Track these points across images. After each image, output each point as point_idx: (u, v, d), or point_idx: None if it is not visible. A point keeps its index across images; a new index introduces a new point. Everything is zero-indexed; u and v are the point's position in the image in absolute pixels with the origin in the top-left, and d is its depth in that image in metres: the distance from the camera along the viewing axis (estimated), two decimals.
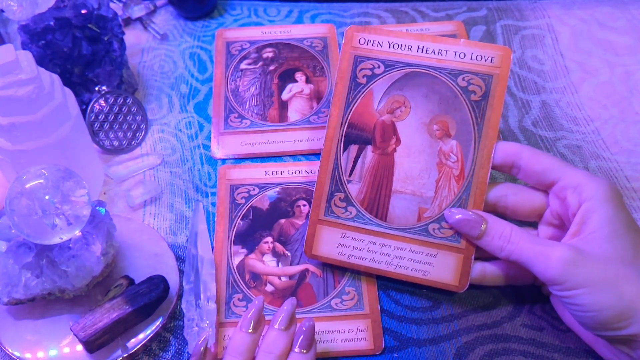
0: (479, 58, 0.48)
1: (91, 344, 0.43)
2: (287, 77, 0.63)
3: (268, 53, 0.65)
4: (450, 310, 0.47)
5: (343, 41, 0.50)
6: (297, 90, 0.62)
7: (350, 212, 0.48)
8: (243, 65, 0.64)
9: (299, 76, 0.63)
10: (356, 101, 0.49)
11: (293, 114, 0.60)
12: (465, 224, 0.45)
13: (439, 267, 0.46)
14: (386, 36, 0.49)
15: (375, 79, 0.49)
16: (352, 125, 0.49)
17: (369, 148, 0.49)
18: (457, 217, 0.45)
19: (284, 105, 0.61)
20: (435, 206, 0.47)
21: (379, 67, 0.49)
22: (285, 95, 0.62)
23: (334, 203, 0.48)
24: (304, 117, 0.60)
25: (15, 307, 0.46)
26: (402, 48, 0.49)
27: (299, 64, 0.64)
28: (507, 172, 0.47)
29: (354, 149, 0.49)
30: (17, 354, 0.44)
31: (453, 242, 0.46)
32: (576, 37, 0.67)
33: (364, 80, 0.49)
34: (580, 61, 0.65)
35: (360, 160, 0.49)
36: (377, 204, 0.48)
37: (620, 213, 0.41)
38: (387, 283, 0.49)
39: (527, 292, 0.48)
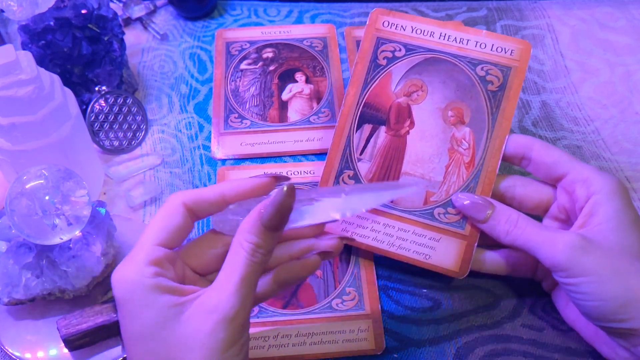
0: (499, 50, 0.48)
1: (71, 343, 0.43)
2: (287, 77, 0.63)
3: (268, 53, 0.65)
4: (450, 311, 0.47)
5: (367, 23, 0.51)
6: (297, 90, 0.62)
7: None
8: (243, 66, 0.64)
9: (299, 76, 0.63)
10: (374, 82, 0.49)
11: (293, 114, 0.60)
12: (473, 206, 0.45)
13: (441, 252, 0.47)
14: (410, 21, 0.50)
15: (396, 62, 0.50)
16: (368, 105, 0.49)
17: (383, 129, 0.49)
18: (464, 201, 0.46)
19: (284, 106, 0.61)
20: (442, 191, 0.47)
21: (400, 50, 0.50)
22: (285, 96, 0.62)
23: (343, 180, 0.49)
24: (304, 117, 0.60)
25: (15, 307, 0.46)
26: (425, 34, 0.50)
27: (299, 64, 0.64)
28: (517, 164, 0.47)
29: (367, 128, 0.49)
30: (17, 354, 0.44)
31: (457, 228, 0.47)
32: (576, 37, 0.67)
33: (384, 62, 0.50)
34: (581, 61, 0.65)
35: (372, 140, 0.49)
36: None
37: (627, 208, 0.41)
38: (387, 283, 0.49)
39: (527, 292, 0.48)
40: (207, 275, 0.38)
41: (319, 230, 0.41)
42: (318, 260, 0.39)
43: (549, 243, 0.41)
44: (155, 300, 0.33)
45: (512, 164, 0.48)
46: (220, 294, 0.33)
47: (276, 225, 0.34)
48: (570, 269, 0.40)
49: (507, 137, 0.47)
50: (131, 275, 0.33)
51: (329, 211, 0.38)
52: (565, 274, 0.40)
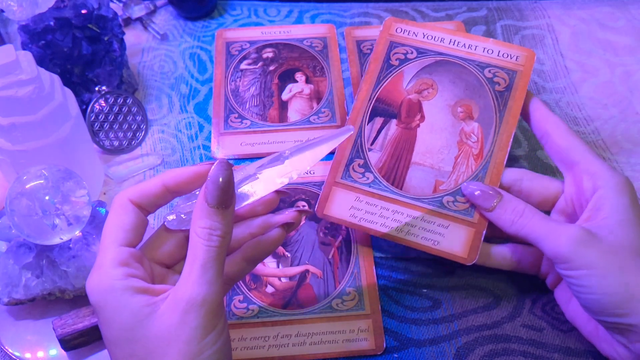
0: (505, 55, 0.51)
1: (66, 343, 0.43)
2: (287, 77, 0.63)
3: (268, 53, 0.65)
4: (450, 311, 0.47)
5: (381, 29, 0.53)
6: (297, 90, 0.62)
7: (368, 178, 0.49)
8: (243, 66, 0.64)
9: (299, 76, 0.63)
10: (387, 79, 0.52)
11: (293, 114, 0.60)
12: (480, 195, 0.46)
13: (450, 238, 0.47)
14: (421, 28, 0.53)
15: (407, 63, 0.52)
16: (380, 100, 0.51)
17: (394, 121, 0.51)
18: (474, 190, 0.46)
19: (284, 106, 0.61)
20: (451, 180, 0.48)
21: (412, 52, 0.52)
22: (285, 96, 0.62)
23: (353, 168, 0.50)
24: (304, 117, 0.60)
25: (15, 307, 0.46)
26: (435, 39, 0.52)
27: (299, 64, 0.64)
28: (538, 137, 0.48)
29: (379, 121, 0.51)
30: (17, 354, 0.44)
31: (466, 215, 0.47)
32: (576, 37, 0.67)
33: (396, 63, 0.52)
34: (580, 61, 0.65)
35: (383, 131, 0.51)
36: (395, 172, 0.49)
37: (633, 204, 0.41)
38: (387, 283, 0.49)
39: (527, 292, 0.48)
40: (174, 266, 0.39)
41: (274, 204, 0.41)
42: (282, 233, 0.40)
43: (552, 234, 0.41)
44: (129, 302, 0.33)
45: (514, 151, 0.48)
46: (186, 284, 0.33)
47: (223, 201, 0.34)
48: (572, 261, 0.40)
49: (513, 132, 0.49)
50: (103, 281, 0.33)
51: (275, 179, 0.38)
52: (567, 266, 0.41)
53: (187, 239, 0.36)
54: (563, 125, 0.46)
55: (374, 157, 0.50)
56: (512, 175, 0.48)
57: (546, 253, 0.42)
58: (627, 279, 0.39)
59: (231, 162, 0.57)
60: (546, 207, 0.47)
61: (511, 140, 0.48)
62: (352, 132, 0.40)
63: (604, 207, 0.41)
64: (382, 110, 0.51)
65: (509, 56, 0.51)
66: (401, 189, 0.49)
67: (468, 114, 0.50)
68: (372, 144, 0.50)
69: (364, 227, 0.48)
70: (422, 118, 0.51)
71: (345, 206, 0.49)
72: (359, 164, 0.50)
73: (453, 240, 0.47)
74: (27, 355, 0.44)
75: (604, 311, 0.40)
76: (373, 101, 0.51)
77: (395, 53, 0.52)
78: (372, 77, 0.52)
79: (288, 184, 0.38)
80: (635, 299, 0.38)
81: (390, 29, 0.53)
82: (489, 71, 0.51)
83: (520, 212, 0.44)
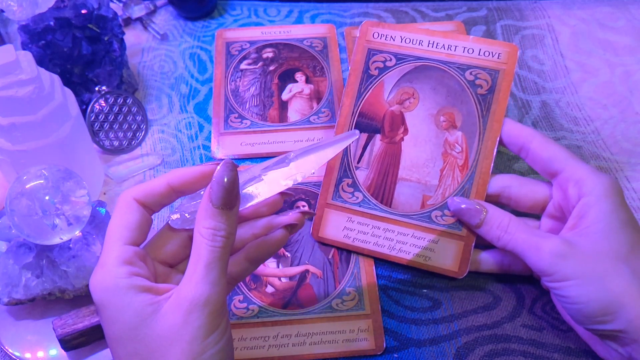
0: (486, 54, 0.49)
1: (67, 343, 0.43)
2: (287, 77, 0.63)
3: (268, 53, 0.65)
4: (450, 311, 0.47)
5: (358, 35, 0.52)
6: (297, 90, 0.62)
7: (357, 198, 0.49)
8: (243, 66, 0.64)
9: (299, 76, 0.63)
10: (367, 92, 0.51)
11: (293, 114, 0.60)
12: (466, 212, 0.46)
13: (440, 253, 0.47)
14: (399, 31, 0.51)
15: (387, 71, 0.51)
16: (363, 115, 0.50)
17: (378, 137, 0.50)
18: (460, 205, 0.46)
19: (284, 106, 0.61)
20: (438, 194, 0.48)
21: (390, 60, 0.51)
22: (285, 96, 0.62)
23: (342, 188, 0.50)
24: (304, 117, 0.60)
25: (15, 307, 0.46)
26: (414, 42, 0.51)
27: (299, 64, 0.64)
28: (515, 153, 0.48)
29: (363, 137, 0.51)
30: (17, 354, 0.44)
31: (454, 229, 0.47)
32: (576, 37, 0.67)
33: (375, 72, 0.51)
34: (580, 61, 0.65)
35: (368, 148, 0.50)
36: (383, 190, 0.49)
37: (618, 210, 0.41)
38: (387, 283, 0.49)
39: (527, 292, 0.48)
40: (177, 265, 0.39)
41: (278, 205, 0.41)
42: (285, 234, 0.40)
43: (534, 249, 0.42)
44: (132, 301, 0.33)
45: (510, 152, 0.48)
46: (189, 284, 0.33)
47: (227, 202, 0.34)
48: (553, 274, 0.41)
49: (505, 121, 0.48)
50: (107, 279, 0.33)
51: (279, 181, 0.38)
52: (549, 279, 0.41)
53: (190, 238, 0.36)
54: (539, 135, 0.46)
55: (362, 175, 0.50)
56: (501, 182, 0.47)
57: (530, 267, 0.43)
58: (607, 285, 0.39)
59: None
60: (537, 211, 0.47)
61: (496, 146, 0.48)
62: (357, 136, 0.40)
63: (588, 215, 0.42)
64: (366, 125, 0.50)
65: (491, 54, 0.49)
66: (390, 207, 0.49)
67: (451, 122, 0.49)
68: (358, 161, 0.50)
69: (358, 247, 0.49)
70: (406, 131, 0.50)
71: (339, 227, 0.49)
72: (347, 184, 0.50)
73: (443, 254, 0.47)
74: (27, 355, 0.44)
75: (586, 320, 0.40)
76: (356, 116, 0.51)
77: (374, 62, 0.51)
78: (352, 89, 0.51)
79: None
80: (618, 304, 0.39)
81: (367, 35, 0.52)
82: (471, 73, 0.49)
83: (504, 228, 0.44)
